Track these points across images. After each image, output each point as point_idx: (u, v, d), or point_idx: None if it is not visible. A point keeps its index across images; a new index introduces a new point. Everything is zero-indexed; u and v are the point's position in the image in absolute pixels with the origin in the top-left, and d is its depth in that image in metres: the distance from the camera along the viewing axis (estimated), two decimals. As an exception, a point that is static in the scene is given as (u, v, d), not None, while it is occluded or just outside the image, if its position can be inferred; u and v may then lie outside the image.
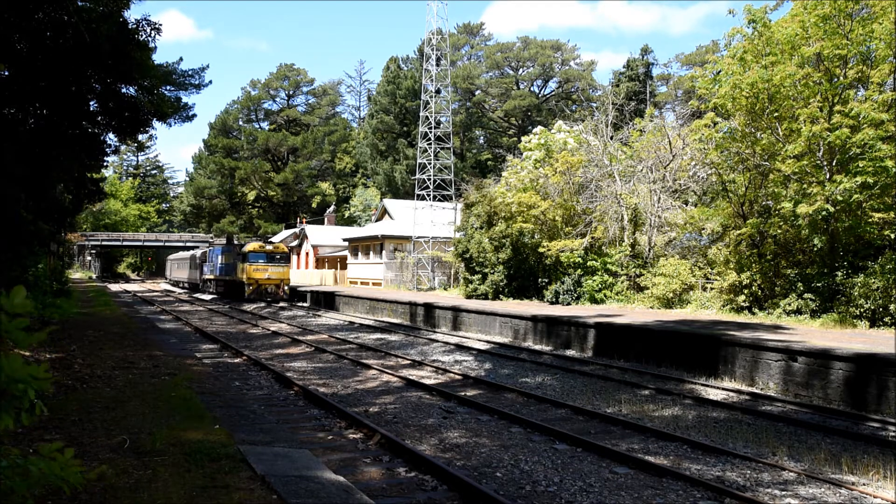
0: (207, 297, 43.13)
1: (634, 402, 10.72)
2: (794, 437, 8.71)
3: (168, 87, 21.39)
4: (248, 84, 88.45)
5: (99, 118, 18.92)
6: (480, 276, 28.23)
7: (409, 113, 67.03)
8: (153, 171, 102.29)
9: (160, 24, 16.60)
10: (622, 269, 25.02)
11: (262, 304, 35.38)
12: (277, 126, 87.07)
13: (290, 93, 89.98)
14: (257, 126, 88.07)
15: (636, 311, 20.84)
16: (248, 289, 36.56)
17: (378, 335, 20.17)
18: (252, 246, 38.58)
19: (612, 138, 29.44)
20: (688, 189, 26.71)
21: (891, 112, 17.10)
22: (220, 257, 42.78)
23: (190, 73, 22.21)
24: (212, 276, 45.31)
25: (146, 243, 77.06)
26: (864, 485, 6.74)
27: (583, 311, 20.74)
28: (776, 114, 19.12)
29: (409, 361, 14.68)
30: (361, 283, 44.05)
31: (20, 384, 2.36)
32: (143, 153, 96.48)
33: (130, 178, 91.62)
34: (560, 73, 75.65)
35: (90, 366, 11.54)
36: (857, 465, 7.38)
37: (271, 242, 40.63)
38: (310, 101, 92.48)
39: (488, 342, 18.49)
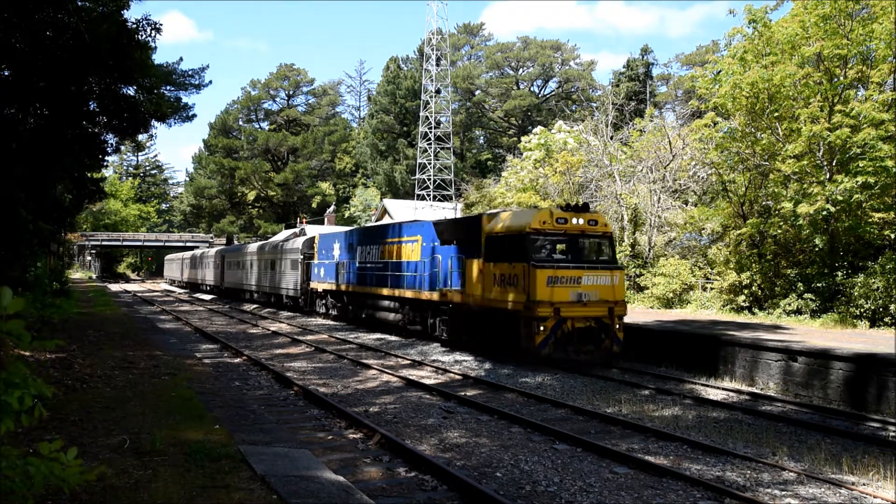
0: (207, 296, 42.81)
1: (634, 401, 10.71)
2: (794, 437, 8.71)
3: (168, 87, 21.43)
4: (248, 84, 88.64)
5: (99, 118, 18.91)
6: (480, 276, 28.18)
7: (409, 113, 67.01)
8: (153, 171, 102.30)
9: (160, 24, 16.58)
10: (622, 269, 25.02)
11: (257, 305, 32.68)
12: (277, 126, 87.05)
13: (290, 93, 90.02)
14: (257, 126, 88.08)
15: (636, 311, 20.83)
16: (537, 331, 13.02)
17: (378, 335, 20.14)
18: (536, 217, 13.83)
19: (612, 138, 29.45)
20: (688, 189, 26.72)
21: (891, 112, 17.11)
22: (377, 248, 20.02)
23: (190, 73, 22.25)
24: (385, 292, 19.42)
25: (146, 243, 76.97)
26: (864, 485, 6.74)
27: (583, 311, 20.70)
28: (776, 114, 19.12)
29: (408, 361, 14.66)
30: (361, 283, 43.76)
31: (17, 390, 2.37)
32: (143, 153, 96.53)
33: (130, 178, 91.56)
34: (560, 73, 75.68)
35: (90, 366, 11.53)
36: (857, 465, 7.38)
37: (578, 209, 14.38)
38: (310, 101, 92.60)
39: (488, 342, 18.43)
